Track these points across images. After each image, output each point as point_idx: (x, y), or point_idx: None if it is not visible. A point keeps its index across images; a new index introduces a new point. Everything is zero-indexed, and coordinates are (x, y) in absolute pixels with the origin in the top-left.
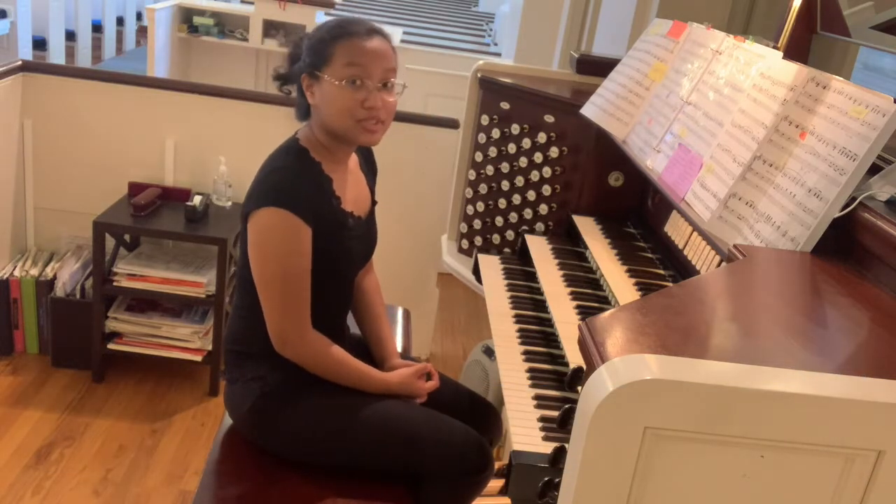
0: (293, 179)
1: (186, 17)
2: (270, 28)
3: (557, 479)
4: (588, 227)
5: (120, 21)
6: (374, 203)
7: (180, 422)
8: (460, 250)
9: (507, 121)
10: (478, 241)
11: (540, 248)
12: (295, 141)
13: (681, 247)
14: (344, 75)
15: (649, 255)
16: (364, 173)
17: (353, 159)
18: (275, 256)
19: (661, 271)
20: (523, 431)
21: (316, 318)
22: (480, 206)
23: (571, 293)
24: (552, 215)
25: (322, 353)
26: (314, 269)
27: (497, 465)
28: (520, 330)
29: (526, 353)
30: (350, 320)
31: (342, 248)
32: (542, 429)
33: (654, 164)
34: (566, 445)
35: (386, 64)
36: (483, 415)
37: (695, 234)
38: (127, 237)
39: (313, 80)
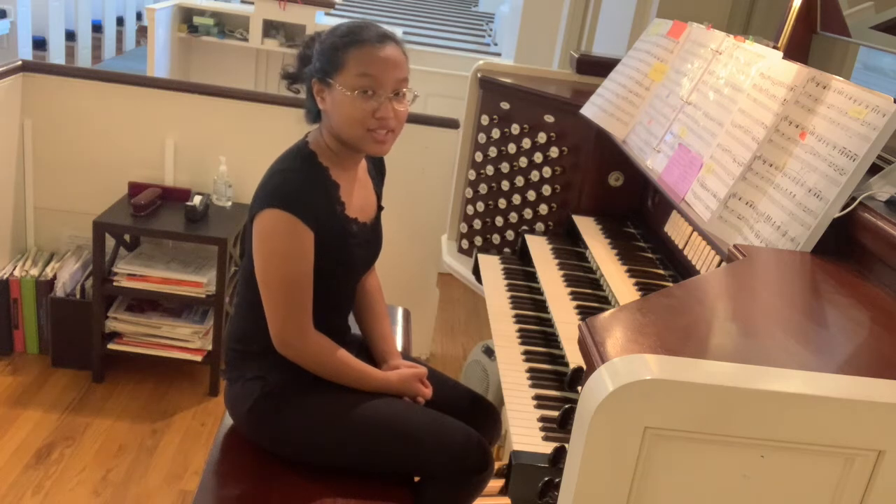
0: (298, 183)
1: (186, 17)
2: (270, 28)
3: (557, 479)
4: (588, 227)
5: (120, 21)
6: (380, 209)
7: (180, 422)
8: (460, 250)
9: (507, 121)
10: (478, 241)
11: (540, 248)
12: (304, 144)
13: (681, 247)
14: (356, 85)
15: (649, 255)
16: (372, 178)
17: (362, 164)
18: (277, 258)
19: (661, 271)
20: (523, 431)
21: (318, 320)
22: (480, 206)
23: (571, 293)
24: (552, 215)
25: (323, 354)
26: (317, 273)
27: (497, 465)
28: (520, 330)
29: (526, 353)
30: (350, 320)
31: (346, 253)
32: (542, 429)
33: (654, 164)
34: (566, 445)
35: (399, 73)
36: (483, 414)
37: (695, 234)
38: (127, 237)
39: (324, 86)
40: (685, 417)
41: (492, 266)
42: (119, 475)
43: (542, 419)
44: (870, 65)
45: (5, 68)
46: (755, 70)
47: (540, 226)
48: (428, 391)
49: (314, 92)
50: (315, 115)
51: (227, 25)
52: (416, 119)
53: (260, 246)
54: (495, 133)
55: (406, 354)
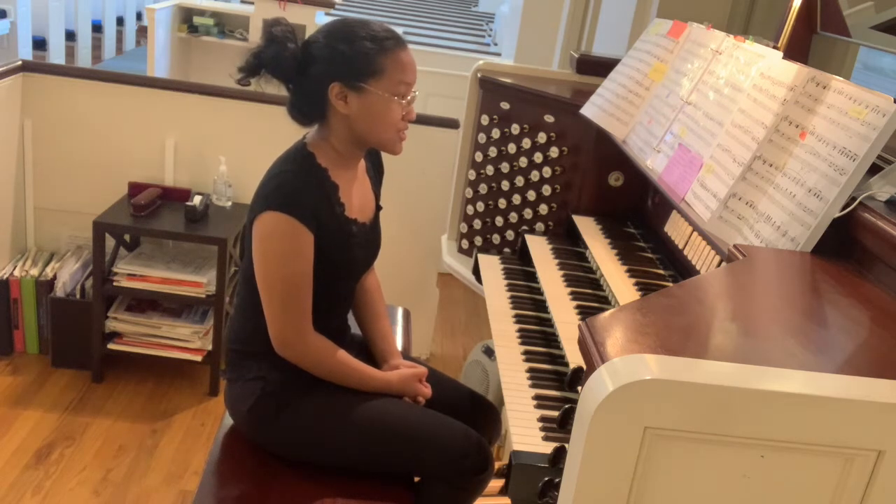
0: (298, 185)
1: (186, 17)
2: None
3: (557, 479)
4: (588, 227)
5: (120, 21)
6: (378, 208)
7: (180, 422)
8: (460, 250)
9: (507, 121)
10: (478, 241)
11: (540, 248)
12: (302, 145)
13: (681, 247)
14: (396, 91)
15: (649, 255)
16: (370, 178)
17: (361, 164)
18: (276, 260)
19: (661, 271)
20: (523, 431)
21: (317, 320)
22: (480, 206)
23: (571, 293)
24: (552, 215)
25: (322, 355)
26: (317, 274)
27: (497, 465)
28: (520, 330)
29: (526, 353)
30: (350, 320)
31: (346, 254)
32: (542, 429)
33: (654, 164)
34: (566, 445)
35: (416, 76)
36: (483, 414)
37: (695, 234)
38: (127, 237)
39: (351, 90)
40: (685, 417)
41: (492, 266)
42: (119, 475)
43: (542, 419)
44: (870, 65)
45: (5, 68)
46: (755, 70)
47: (540, 226)
48: (428, 391)
49: (332, 95)
50: (313, 117)
51: (227, 25)
52: (416, 119)
53: (260, 248)
54: (495, 133)
55: (406, 354)
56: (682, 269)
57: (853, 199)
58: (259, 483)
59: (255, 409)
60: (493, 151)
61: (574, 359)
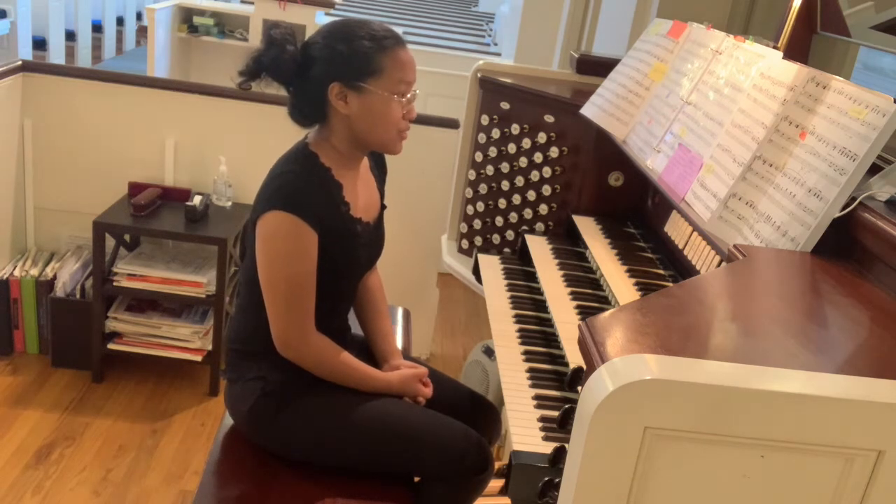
0: (300, 184)
1: (186, 17)
2: None
3: (557, 479)
4: (588, 227)
5: (120, 21)
6: (383, 207)
7: (180, 422)
8: (460, 250)
9: (507, 121)
10: (478, 241)
11: (540, 248)
12: (304, 145)
13: (681, 247)
14: (397, 90)
15: (649, 255)
16: (375, 176)
17: (364, 163)
18: (279, 259)
19: (661, 271)
20: (523, 431)
21: (319, 319)
22: (480, 206)
23: (571, 293)
24: (552, 215)
25: (325, 356)
26: (320, 274)
27: (497, 465)
28: (520, 330)
29: (526, 353)
30: (351, 319)
31: (350, 254)
32: (542, 429)
33: (654, 164)
34: (566, 445)
35: (416, 75)
36: (483, 414)
37: (695, 234)
38: (127, 237)
39: (350, 90)
40: (685, 417)
41: (492, 266)
42: (119, 475)
43: (542, 419)
44: (870, 65)
45: (5, 68)
46: (755, 70)
47: (540, 226)
48: (428, 391)
49: (332, 95)
50: (314, 118)
51: (227, 25)
52: (416, 119)
53: (263, 247)
54: (495, 133)
55: (406, 354)
56: (682, 269)
57: (853, 199)
58: (259, 483)
59: (255, 409)
60: (493, 151)
61: (574, 359)
